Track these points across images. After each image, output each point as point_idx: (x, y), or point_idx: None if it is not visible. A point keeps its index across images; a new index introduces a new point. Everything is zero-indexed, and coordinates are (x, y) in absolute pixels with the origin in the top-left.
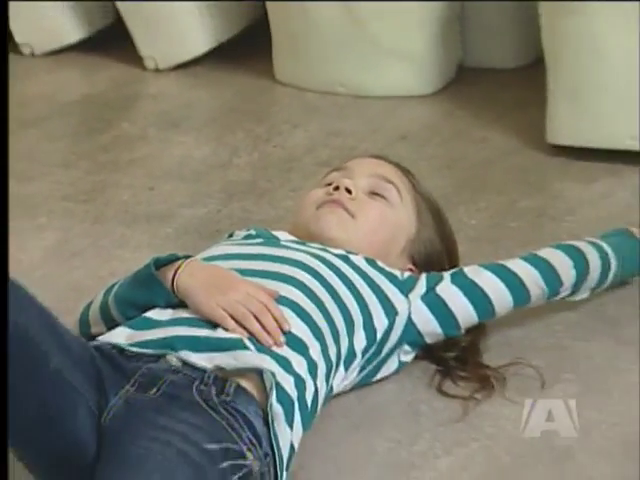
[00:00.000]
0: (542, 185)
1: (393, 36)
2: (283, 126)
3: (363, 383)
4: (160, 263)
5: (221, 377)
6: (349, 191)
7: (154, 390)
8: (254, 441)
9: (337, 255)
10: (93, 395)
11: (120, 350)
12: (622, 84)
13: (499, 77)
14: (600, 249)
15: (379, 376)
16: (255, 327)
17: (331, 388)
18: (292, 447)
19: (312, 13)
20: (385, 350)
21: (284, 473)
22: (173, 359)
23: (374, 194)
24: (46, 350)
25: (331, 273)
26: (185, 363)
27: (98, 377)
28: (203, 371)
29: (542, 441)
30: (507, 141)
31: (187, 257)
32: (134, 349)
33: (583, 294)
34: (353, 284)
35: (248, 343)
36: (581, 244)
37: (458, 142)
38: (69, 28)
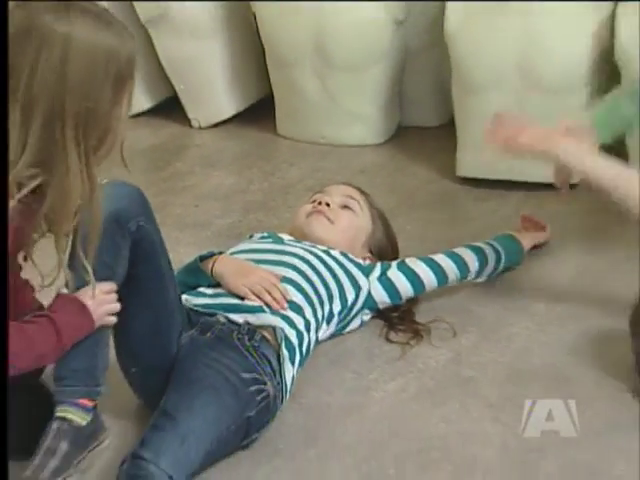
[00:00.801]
0: (453, 204)
1: (355, 105)
2: (283, 165)
3: (338, 333)
4: (202, 258)
5: (252, 329)
6: (328, 205)
7: (209, 334)
8: (271, 374)
9: (321, 250)
10: (180, 325)
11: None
12: None
13: (425, 132)
14: (494, 248)
15: (348, 329)
16: (268, 298)
17: (317, 338)
18: (293, 378)
19: (302, 91)
20: (353, 313)
21: (287, 394)
22: (220, 317)
23: (344, 207)
24: (167, 285)
25: (317, 262)
26: (228, 319)
27: (183, 314)
28: (239, 325)
29: (453, 372)
30: (430, 174)
31: (220, 253)
32: (194, 308)
33: (483, 278)
34: (332, 269)
35: (265, 308)
36: (482, 244)
37: (398, 175)
38: (142, 99)
